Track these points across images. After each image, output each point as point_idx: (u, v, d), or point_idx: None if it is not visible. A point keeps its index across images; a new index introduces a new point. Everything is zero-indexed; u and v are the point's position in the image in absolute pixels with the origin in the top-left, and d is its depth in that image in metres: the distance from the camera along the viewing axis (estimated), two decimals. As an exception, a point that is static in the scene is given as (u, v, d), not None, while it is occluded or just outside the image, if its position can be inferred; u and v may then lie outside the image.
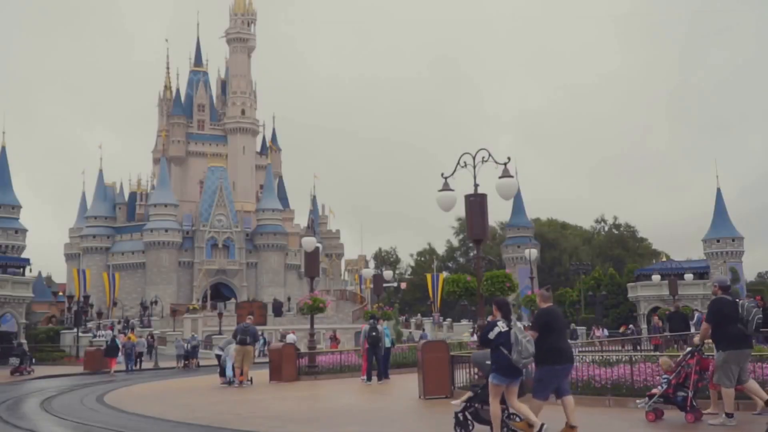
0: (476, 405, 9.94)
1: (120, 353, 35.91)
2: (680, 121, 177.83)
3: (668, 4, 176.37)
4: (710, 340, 10.57)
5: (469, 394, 10.27)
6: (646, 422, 10.82)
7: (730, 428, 9.98)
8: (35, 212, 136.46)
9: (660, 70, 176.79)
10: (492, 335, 8.99)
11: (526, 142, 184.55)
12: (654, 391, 11.03)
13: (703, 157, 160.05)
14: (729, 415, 10.06)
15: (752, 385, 10.40)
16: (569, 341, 12.30)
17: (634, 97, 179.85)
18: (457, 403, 10.31)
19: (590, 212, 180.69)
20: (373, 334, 20.81)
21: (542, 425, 8.95)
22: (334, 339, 41.75)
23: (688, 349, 11.31)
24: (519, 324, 9.10)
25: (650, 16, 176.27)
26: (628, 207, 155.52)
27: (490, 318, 9.98)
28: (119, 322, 62.34)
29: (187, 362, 37.56)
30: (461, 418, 9.99)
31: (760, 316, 10.34)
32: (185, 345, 38.15)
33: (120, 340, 38.41)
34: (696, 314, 31.42)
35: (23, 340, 46.44)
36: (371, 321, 21.66)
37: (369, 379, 21.02)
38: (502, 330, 8.94)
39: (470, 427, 9.99)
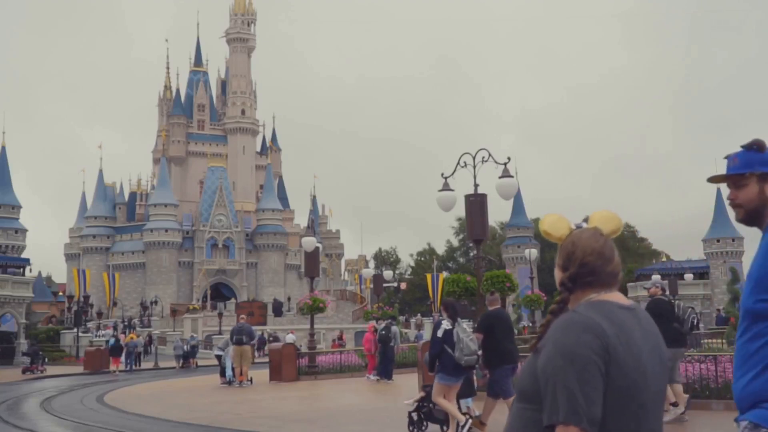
0: (429, 405, 10.06)
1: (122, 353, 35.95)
2: (682, 121, 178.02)
3: (671, 4, 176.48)
4: None
5: (421, 393, 10.41)
6: None
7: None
8: (35, 212, 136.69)
9: (663, 70, 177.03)
10: (440, 333, 9.15)
11: (528, 141, 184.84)
12: None
13: (704, 156, 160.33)
14: (674, 405, 10.53)
15: (677, 387, 10.67)
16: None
17: (636, 97, 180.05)
18: (410, 403, 10.44)
19: (591, 212, 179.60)
20: (383, 333, 21.06)
21: (467, 418, 9.27)
22: (339, 339, 41.92)
23: None
24: (463, 324, 9.34)
25: (653, 15, 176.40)
26: (628, 207, 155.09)
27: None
28: (122, 322, 62.37)
29: (186, 362, 37.59)
30: (414, 417, 10.12)
31: (695, 316, 10.92)
32: (184, 345, 38.21)
33: (122, 340, 38.42)
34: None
35: (23, 341, 46.43)
36: (389, 321, 22.07)
37: (373, 375, 21.33)
38: (447, 328, 9.11)
39: (424, 427, 10.10)
